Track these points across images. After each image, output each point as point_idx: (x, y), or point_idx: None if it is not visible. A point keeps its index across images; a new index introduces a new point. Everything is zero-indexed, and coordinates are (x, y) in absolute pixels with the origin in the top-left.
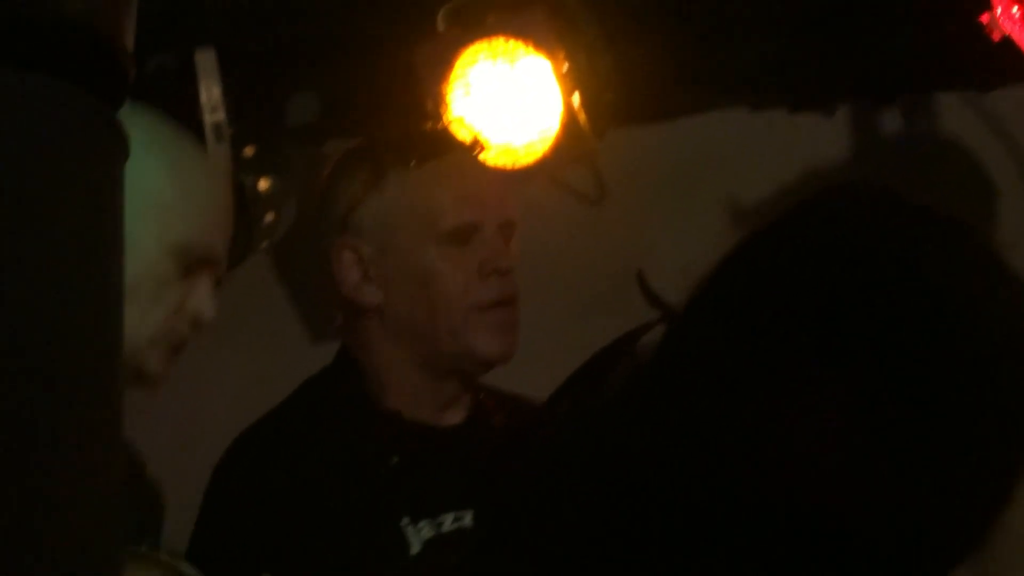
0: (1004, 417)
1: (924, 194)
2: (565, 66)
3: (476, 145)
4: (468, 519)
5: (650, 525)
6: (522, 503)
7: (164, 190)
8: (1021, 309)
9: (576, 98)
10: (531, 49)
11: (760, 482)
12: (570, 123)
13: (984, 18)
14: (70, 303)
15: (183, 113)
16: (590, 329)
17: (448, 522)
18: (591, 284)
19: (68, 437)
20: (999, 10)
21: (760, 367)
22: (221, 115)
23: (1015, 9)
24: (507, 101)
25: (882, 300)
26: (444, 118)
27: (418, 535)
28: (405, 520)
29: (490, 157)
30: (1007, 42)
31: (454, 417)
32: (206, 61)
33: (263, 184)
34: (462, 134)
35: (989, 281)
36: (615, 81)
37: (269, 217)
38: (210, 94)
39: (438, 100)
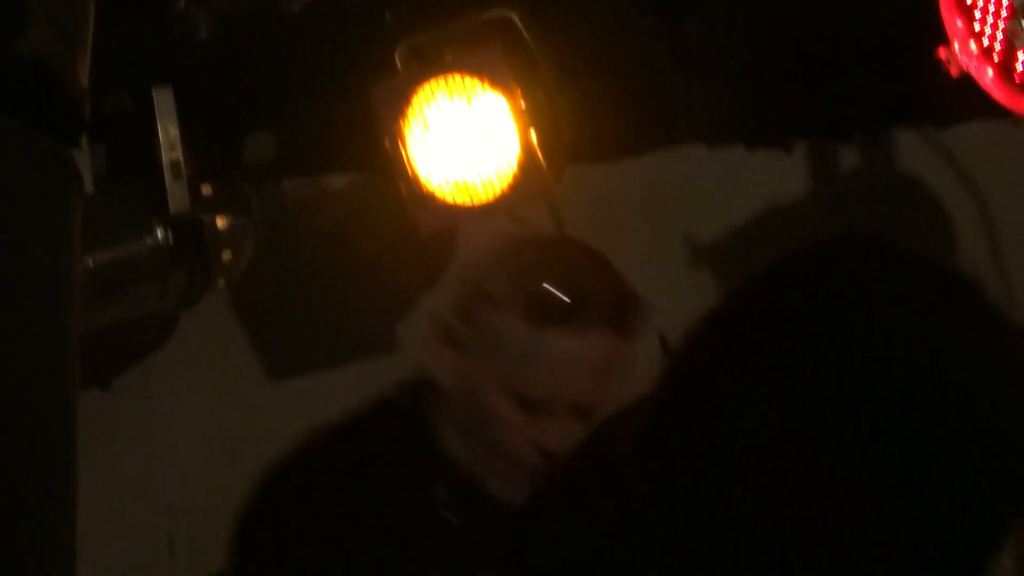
0: (1000, 465)
1: (882, 230)
2: (522, 104)
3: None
4: None
5: None
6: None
7: None
8: (1012, 354)
9: (533, 135)
10: (488, 87)
11: (758, 534)
12: (528, 160)
13: (941, 53)
14: (24, 337)
15: (141, 151)
16: None
17: None
18: None
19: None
20: (956, 45)
21: (754, 424)
22: (179, 154)
23: (972, 44)
24: (465, 138)
25: (878, 355)
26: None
27: None
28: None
29: (448, 194)
30: (965, 77)
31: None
32: (164, 100)
33: (221, 222)
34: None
35: (988, 334)
36: (572, 119)
37: (227, 255)
38: (168, 133)
39: (395, 138)
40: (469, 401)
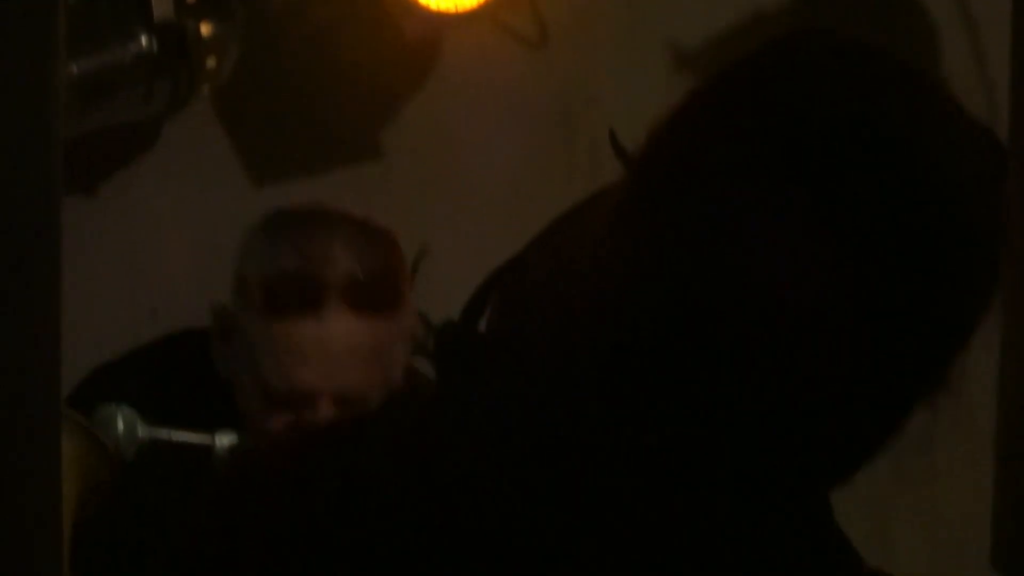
0: (964, 254)
1: (866, 33)
2: None
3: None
4: None
5: (637, 380)
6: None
7: None
8: (975, 149)
9: None
10: None
11: (737, 309)
12: None
13: None
14: (6, 140)
15: None
16: (533, 172)
17: None
18: (534, 128)
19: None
20: None
21: (724, 206)
22: None
23: None
24: None
25: (845, 143)
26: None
27: None
28: None
29: (432, 0)
30: None
31: None
32: None
33: (205, 29)
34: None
35: (946, 122)
36: None
37: (211, 62)
38: None
39: None
40: (237, 393)
